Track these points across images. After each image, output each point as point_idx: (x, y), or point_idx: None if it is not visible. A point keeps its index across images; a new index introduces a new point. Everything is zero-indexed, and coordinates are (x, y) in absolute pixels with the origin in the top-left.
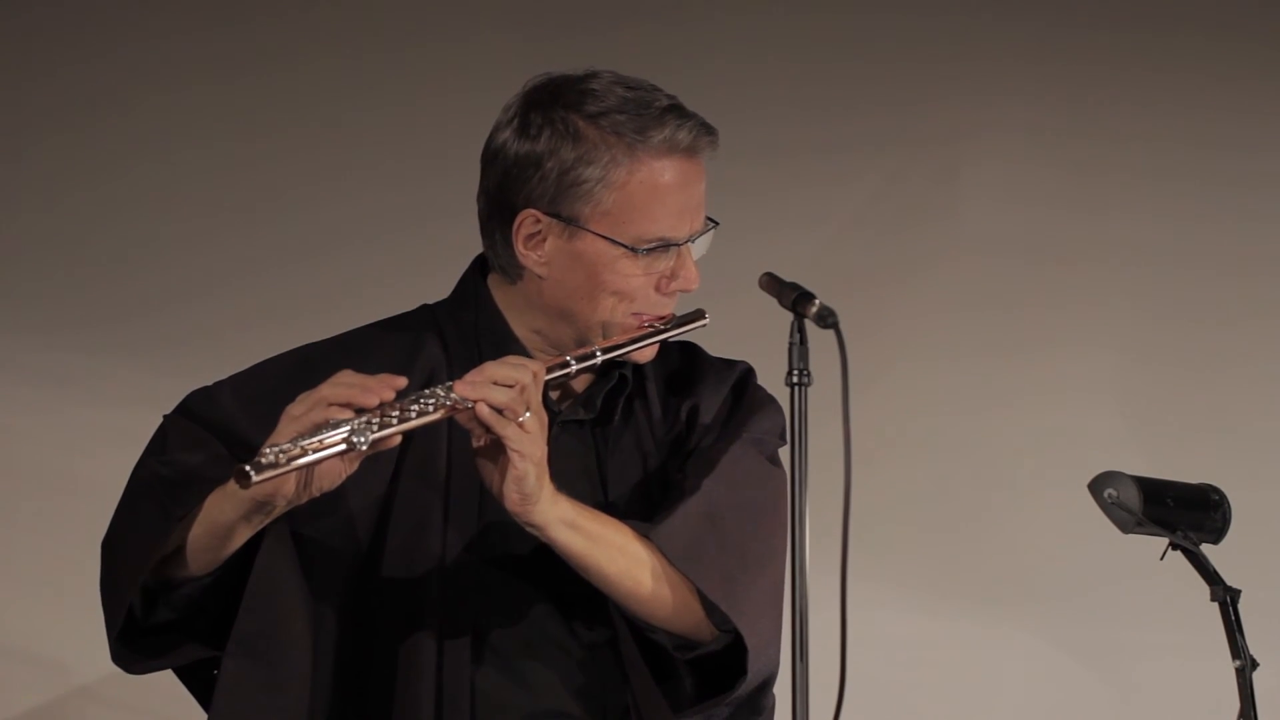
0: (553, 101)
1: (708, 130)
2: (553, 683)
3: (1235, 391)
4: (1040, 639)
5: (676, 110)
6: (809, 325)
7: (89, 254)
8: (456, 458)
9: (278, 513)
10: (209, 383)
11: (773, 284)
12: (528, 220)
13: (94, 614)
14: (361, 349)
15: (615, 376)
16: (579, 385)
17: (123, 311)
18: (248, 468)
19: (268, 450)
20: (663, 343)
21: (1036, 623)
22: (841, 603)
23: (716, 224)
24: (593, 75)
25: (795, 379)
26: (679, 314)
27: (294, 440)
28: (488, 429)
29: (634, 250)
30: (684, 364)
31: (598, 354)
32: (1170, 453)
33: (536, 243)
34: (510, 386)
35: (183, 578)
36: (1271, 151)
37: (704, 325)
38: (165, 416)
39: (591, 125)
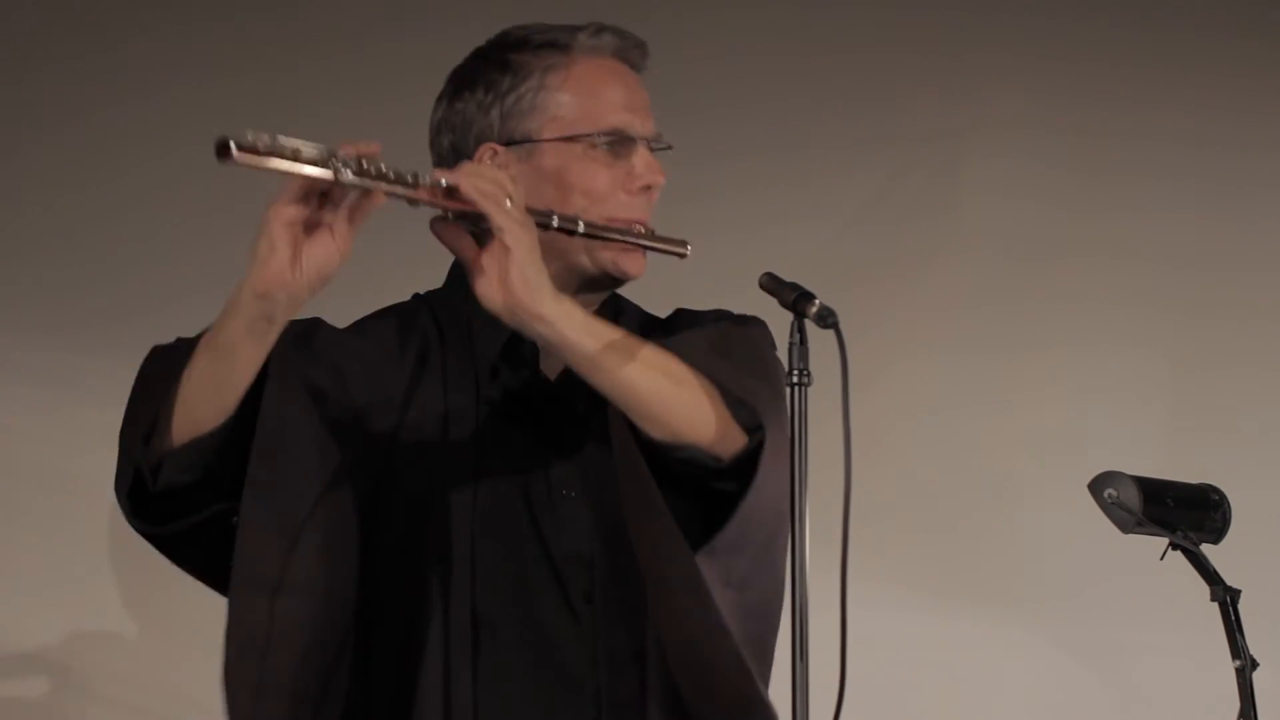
0: (475, 60)
1: (635, 40)
2: (554, 648)
3: (1235, 391)
4: (1040, 639)
5: (597, 24)
6: (809, 325)
7: (89, 254)
8: (451, 425)
9: (280, 317)
10: None
11: (773, 284)
12: (485, 156)
13: (94, 614)
14: (356, 332)
15: (595, 306)
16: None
17: (123, 311)
18: (229, 139)
19: (250, 131)
20: (652, 314)
21: (1036, 623)
22: (841, 603)
23: (670, 147)
24: (505, 31)
25: (795, 379)
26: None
27: (277, 138)
28: (475, 229)
29: (590, 139)
30: (668, 321)
31: (580, 224)
32: (1170, 453)
33: None
34: (490, 180)
35: (193, 435)
36: (1273, 150)
37: (683, 254)
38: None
39: (519, 51)
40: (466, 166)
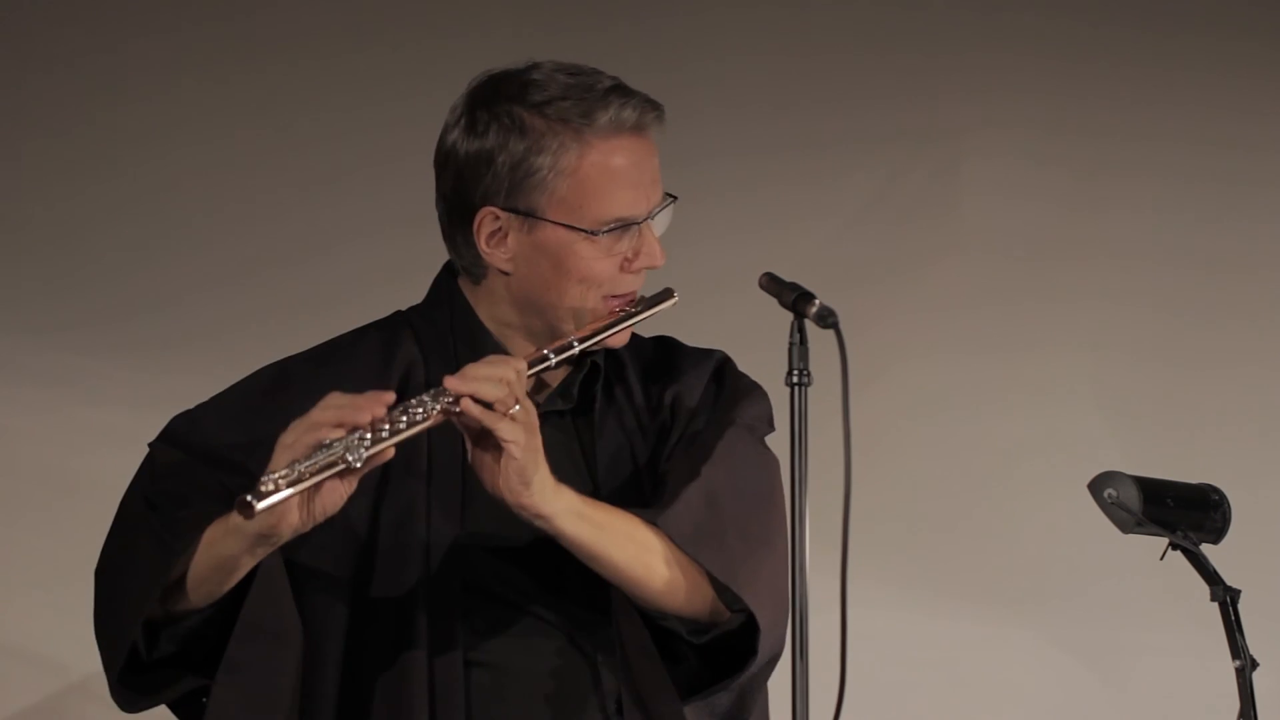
0: (496, 96)
1: (653, 106)
2: (548, 677)
3: (1235, 391)
4: (1040, 639)
5: (619, 90)
6: (809, 325)
7: (89, 254)
8: (437, 456)
9: (282, 543)
10: (197, 398)
11: (773, 284)
12: (487, 218)
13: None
14: (337, 358)
15: (588, 364)
16: (553, 378)
17: (123, 311)
18: (249, 497)
19: (266, 479)
20: (638, 335)
21: (1036, 623)
22: (841, 603)
23: (674, 198)
24: (534, 66)
25: (795, 379)
26: (648, 295)
27: (290, 466)
28: (480, 428)
29: (593, 233)
30: (661, 353)
31: (574, 344)
32: (1170, 453)
33: (499, 240)
34: (496, 382)
35: (183, 610)
36: (1273, 150)
37: (674, 303)
38: (150, 445)
39: (537, 115)
40: (471, 372)
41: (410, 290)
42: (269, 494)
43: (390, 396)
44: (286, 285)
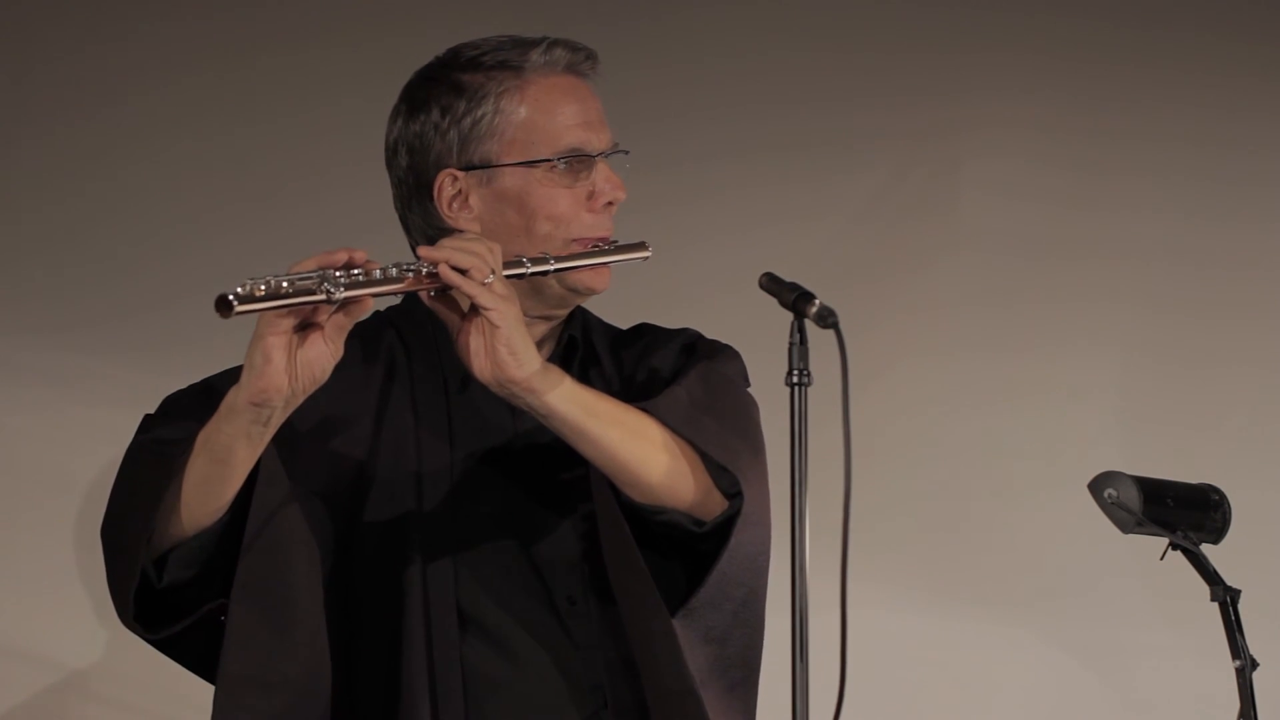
0: (430, 71)
1: (585, 49)
2: (540, 652)
3: (1235, 391)
4: (1040, 639)
5: (549, 37)
6: (809, 325)
7: (89, 254)
8: (424, 433)
9: (275, 420)
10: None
11: (773, 284)
12: (445, 182)
13: (94, 614)
14: None
15: (565, 339)
16: None
17: (123, 311)
18: (230, 295)
19: (245, 282)
20: (613, 326)
21: (1036, 623)
22: (841, 603)
23: (626, 152)
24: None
25: (795, 379)
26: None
27: (268, 281)
28: (455, 295)
29: (551, 163)
30: (634, 336)
31: (550, 260)
32: (1170, 453)
33: (461, 202)
34: (469, 253)
35: (191, 532)
36: (1273, 149)
37: (647, 256)
38: (146, 415)
39: (471, 71)
40: (446, 243)
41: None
42: (247, 297)
43: (362, 254)
44: None
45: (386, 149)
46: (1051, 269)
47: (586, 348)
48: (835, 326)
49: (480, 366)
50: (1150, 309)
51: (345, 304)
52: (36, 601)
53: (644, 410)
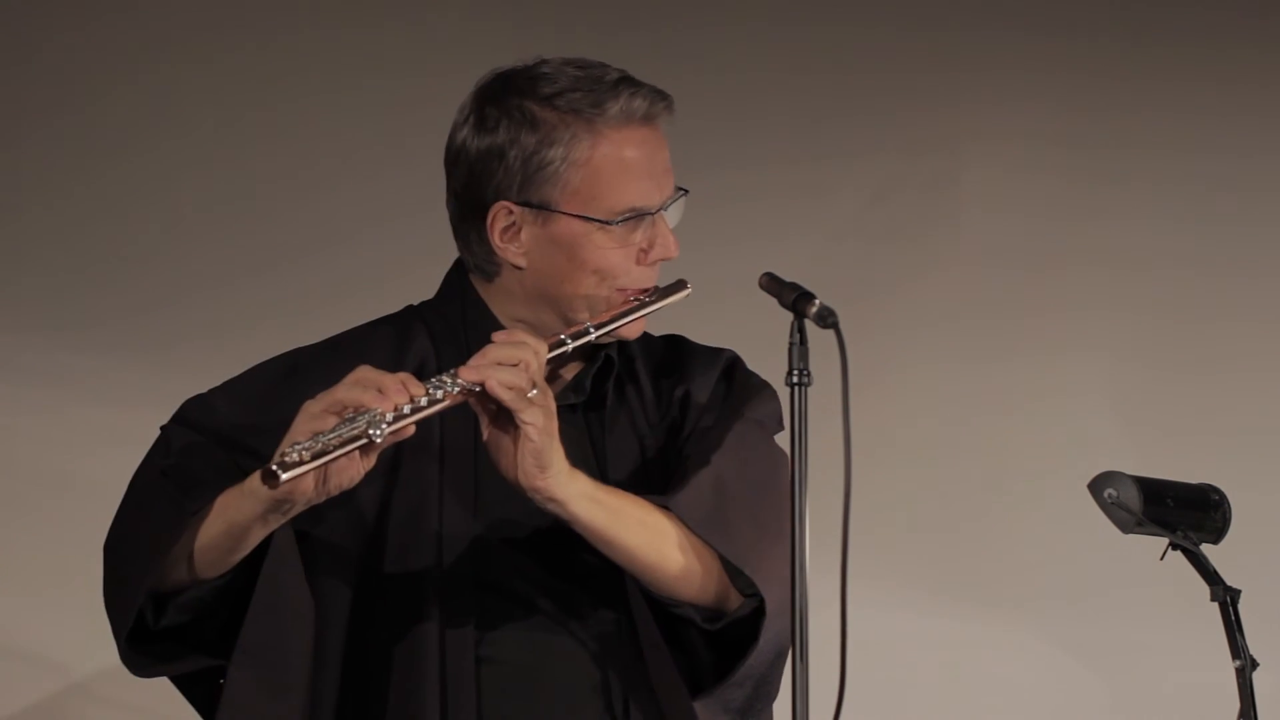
0: (505, 91)
1: (662, 96)
2: (558, 673)
3: (1235, 392)
4: (1040, 639)
5: (628, 80)
6: (809, 325)
7: (88, 253)
8: (449, 440)
9: (294, 512)
10: (204, 390)
11: (773, 284)
12: (501, 213)
13: (94, 614)
14: (351, 349)
15: (601, 358)
16: (566, 371)
17: (123, 311)
18: (274, 467)
19: (291, 449)
20: (649, 334)
21: (1036, 623)
22: (841, 603)
23: (686, 191)
24: (542, 61)
25: (795, 379)
26: (661, 286)
27: (314, 437)
28: (498, 407)
29: (608, 223)
30: (670, 351)
31: (590, 330)
32: (1170, 453)
33: (512, 234)
34: (514, 365)
35: (192, 581)
36: (1269, 155)
37: (687, 294)
38: (162, 427)
39: (547, 108)
40: (490, 354)
41: (411, 286)
42: (294, 464)
43: (417, 385)
44: (287, 284)
45: (448, 151)
46: (1050, 275)
47: (624, 364)
48: (835, 326)
49: (507, 466)
50: (1149, 313)
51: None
52: (36, 601)
53: (666, 508)
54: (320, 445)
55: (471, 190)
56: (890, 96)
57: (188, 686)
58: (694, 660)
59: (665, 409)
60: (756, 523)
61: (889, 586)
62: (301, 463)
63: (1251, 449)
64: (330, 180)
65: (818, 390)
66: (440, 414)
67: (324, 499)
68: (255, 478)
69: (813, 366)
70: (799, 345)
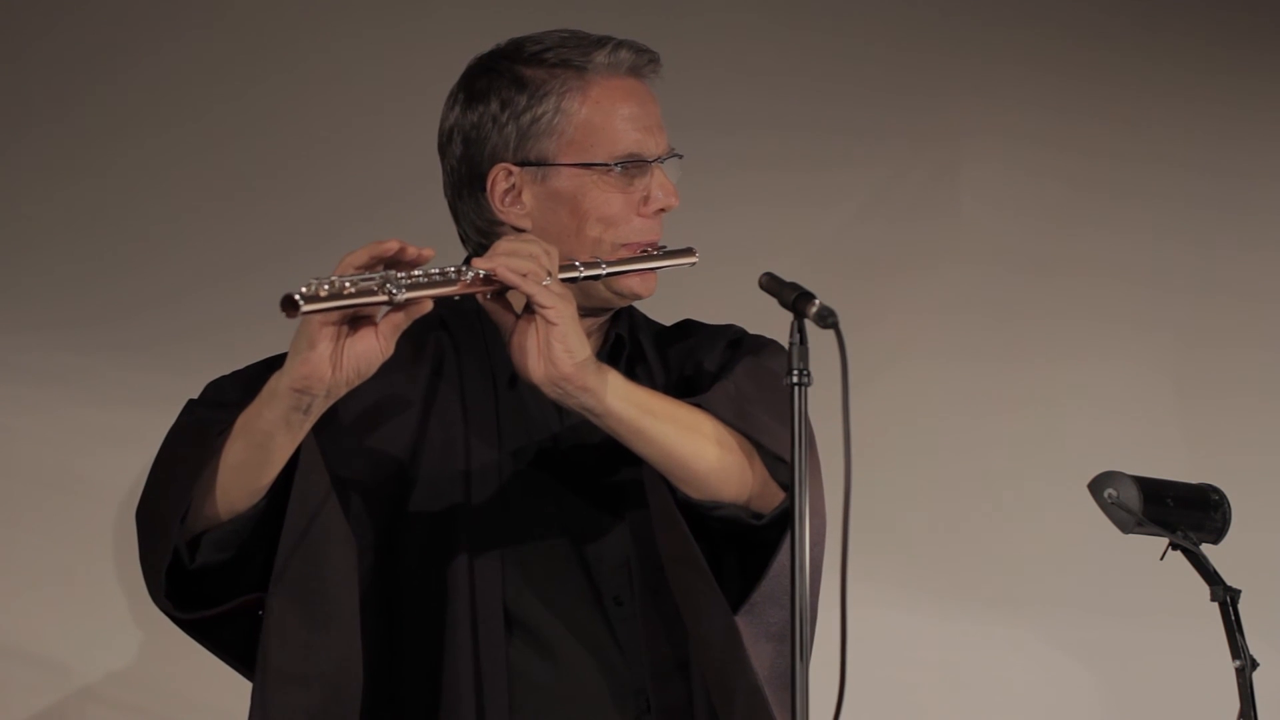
0: (491, 60)
1: (648, 51)
2: (585, 654)
3: (1234, 392)
4: (1040, 639)
5: (612, 37)
6: (809, 325)
7: (88, 252)
8: (470, 403)
9: (316, 409)
10: (218, 376)
11: (773, 284)
12: (500, 176)
13: (94, 614)
14: None
15: (612, 337)
16: None
17: (123, 311)
18: (295, 295)
19: (310, 282)
20: (658, 323)
21: (1036, 623)
22: (841, 603)
23: (681, 155)
24: (524, 37)
25: (795, 379)
26: (669, 248)
27: (332, 280)
28: (512, 297)
29: (608, 166)
30: (679, 333)
31: (602, 265)
32: (1170, 454)
33: (514, 197)
34: (526, 257)
35: (226, 516)
36: (1267, 158)
37: (694, 262)
38: (189, 401)
39: (534, 66)
40: (500, 247)
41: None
42: (313, 297)
43: (430, 252)
44: (286, 284)
45: (440, 135)
46: (1051, 273)
47: (634, 345)
48: (835, 326)
49: (534, 365)
50: (1149, 312)
51: (405, 304)
52: (37, 601)
53: (696, 405)
54: (338, 286)
55: (468, 162)
56: (892, 87)
57: (224, 635)
58: (729, 588)
59: (675, 382)
60: (786, 423)
61: (889, 586)
62: (319, 296)
63: (1251, 449)
64: (332, 177)
65: (818, 390)
66: (459, 296)
67: (343, 388)
68: (273, 379)
69: (813, 366)
70: (799, 345)
